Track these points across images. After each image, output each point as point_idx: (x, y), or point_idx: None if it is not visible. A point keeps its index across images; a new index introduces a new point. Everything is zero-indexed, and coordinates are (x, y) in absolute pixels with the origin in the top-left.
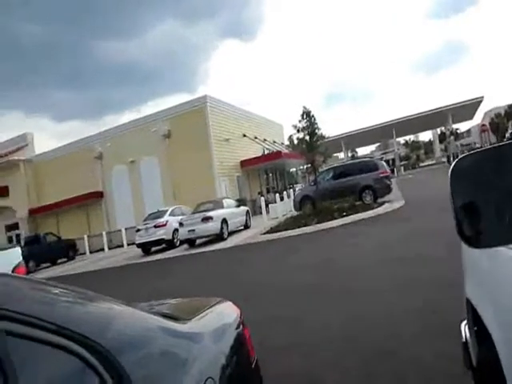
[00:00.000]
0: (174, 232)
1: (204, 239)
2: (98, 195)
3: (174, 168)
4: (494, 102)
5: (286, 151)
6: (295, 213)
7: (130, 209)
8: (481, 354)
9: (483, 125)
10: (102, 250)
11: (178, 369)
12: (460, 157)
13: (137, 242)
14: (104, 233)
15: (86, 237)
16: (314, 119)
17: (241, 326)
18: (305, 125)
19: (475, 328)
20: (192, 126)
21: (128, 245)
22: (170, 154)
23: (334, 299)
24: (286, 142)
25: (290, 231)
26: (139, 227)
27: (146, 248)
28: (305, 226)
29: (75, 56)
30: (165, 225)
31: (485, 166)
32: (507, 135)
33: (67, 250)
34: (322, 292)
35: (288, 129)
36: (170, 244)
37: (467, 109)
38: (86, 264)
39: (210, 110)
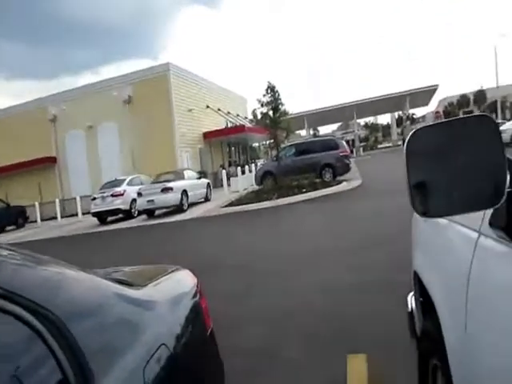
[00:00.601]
0: (131, 202)
1: (163, 210)
2: (51, 160)
3: (133, 136)
4: (448, 91)
5: (250, 125)
6: (256, 187)
7: (85, 176)
8: (425, 325)
9: (437, 112)
10: (55, 218)
11: (129, 335)
12: (414, 129)
13: (92, 211)
14: (57, 200)
15: (37, 204)
16: (278, 94)
17: (198, 295)
18: (269, 99)
19: (421, 299)
20: (154, 94)
21: (83, 214)
22: (130, 120)
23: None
24: (250, 116)
25: (250, 205)
26: (95, 195)
27: (102, 217)
28: (266, 200)
29: (30, 7)
30: (122, 194)
31: (436, 140)
32: None
33: (16, 217)
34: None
35: (252, 103)
36: (127, 214)
37: (423, 95)
38: (36, 232)
39: (173, 78)
